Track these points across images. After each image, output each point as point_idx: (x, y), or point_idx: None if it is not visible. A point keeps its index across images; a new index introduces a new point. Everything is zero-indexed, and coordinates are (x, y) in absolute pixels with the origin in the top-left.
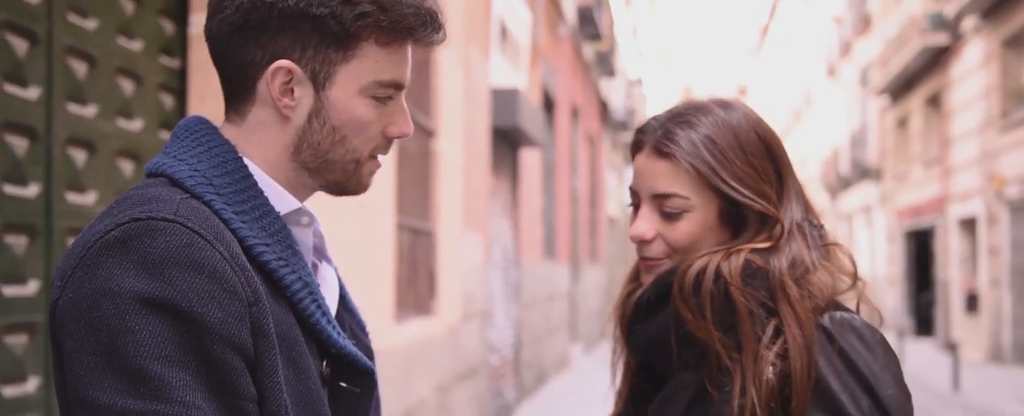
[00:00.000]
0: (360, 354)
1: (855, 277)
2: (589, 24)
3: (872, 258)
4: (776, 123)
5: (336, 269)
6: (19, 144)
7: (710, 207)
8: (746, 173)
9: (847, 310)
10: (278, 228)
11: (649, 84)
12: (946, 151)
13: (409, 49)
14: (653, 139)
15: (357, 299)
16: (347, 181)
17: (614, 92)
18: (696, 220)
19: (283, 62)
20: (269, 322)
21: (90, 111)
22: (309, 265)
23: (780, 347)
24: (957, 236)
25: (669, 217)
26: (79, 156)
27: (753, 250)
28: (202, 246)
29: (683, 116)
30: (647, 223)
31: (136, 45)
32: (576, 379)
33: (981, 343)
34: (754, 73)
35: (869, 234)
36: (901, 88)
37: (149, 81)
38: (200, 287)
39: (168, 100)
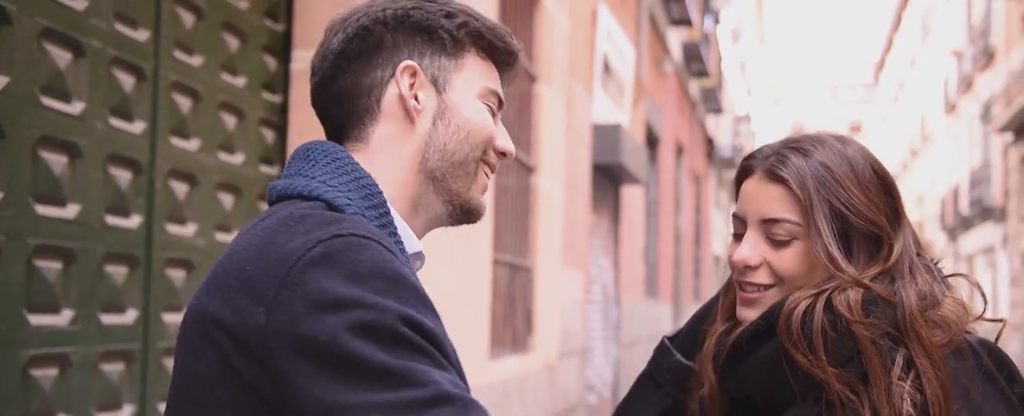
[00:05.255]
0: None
1: (1001, 321)
2: (695, 61)
3: (994, 302)
4: (892, 160)
5: None
6: (123, 176)
7: (819, 237)
8: (860, 202)
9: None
10: (410, 267)
11: (758, 120)
12: None
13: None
14: (766, 164)
15: (451, 335)
16: (470, 190)
17: (721, 129)
18: (805, 249)
19: (409, 62)
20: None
21: (193, 145)
22: None
23: (913, 380)
24: None
25: (777, 244)
26: (181, 189)
27: (871, 279)
28: (401, 264)
29: (798, 144)
30: (753, 249)
31: (239, 81)
32: None
33: None
34: (869, 109)
35: (991, 277)
36: None
37: (251, 116)
38: (411, 298)
39: (269, 135)
